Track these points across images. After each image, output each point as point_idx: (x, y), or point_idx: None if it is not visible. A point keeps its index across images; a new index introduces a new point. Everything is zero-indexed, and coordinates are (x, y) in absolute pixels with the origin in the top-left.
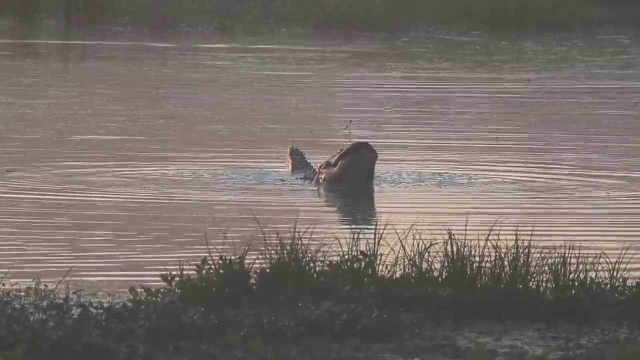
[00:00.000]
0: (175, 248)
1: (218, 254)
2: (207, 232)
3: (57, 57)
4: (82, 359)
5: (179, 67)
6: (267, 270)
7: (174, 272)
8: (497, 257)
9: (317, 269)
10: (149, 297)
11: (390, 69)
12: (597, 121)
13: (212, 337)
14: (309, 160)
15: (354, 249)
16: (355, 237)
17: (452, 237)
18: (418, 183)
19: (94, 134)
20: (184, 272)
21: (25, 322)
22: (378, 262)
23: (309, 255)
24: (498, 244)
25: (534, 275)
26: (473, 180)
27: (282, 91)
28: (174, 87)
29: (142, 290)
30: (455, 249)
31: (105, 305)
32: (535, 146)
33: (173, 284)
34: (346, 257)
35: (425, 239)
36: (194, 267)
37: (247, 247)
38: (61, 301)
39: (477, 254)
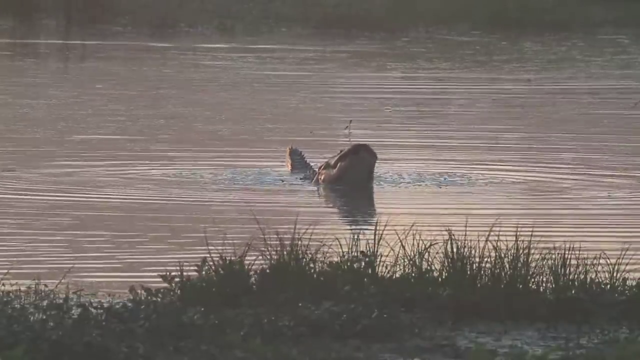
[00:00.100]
0: (175, 248)
1: (218, 254)
2: (207, 232)
3: (57, 57)
4: (82, 359)
5: (179, 67)
6: (267, 270)
7: (174, 272)
8: (497, 257)
9: (317, 269)
10: (149, 297)
11: (390, 69)
12: (597, 121)
13: (212, 337)
14: (308, 161)
15: (354, 249)
16: (355, 237)
17: (452, 237)
18: (418, 183)
19: (94, 134)
20: (184, 272)
21: (25, 322)
22: (378, 262)
23: (309, 255)
24: (498, 244)
25: (534, 275)
26: (473, 180)
27: (282, 91)
28: (174, 87)
29: (142, 290)
30: (455, 249)
31: (105, 305)
32: (535, 146)
33: (173, 284)
34: (346, 257)
35: (425, 239)
36: (194, 267)
37: (247, 247)
38: (61, 301)
39: (477, 254)
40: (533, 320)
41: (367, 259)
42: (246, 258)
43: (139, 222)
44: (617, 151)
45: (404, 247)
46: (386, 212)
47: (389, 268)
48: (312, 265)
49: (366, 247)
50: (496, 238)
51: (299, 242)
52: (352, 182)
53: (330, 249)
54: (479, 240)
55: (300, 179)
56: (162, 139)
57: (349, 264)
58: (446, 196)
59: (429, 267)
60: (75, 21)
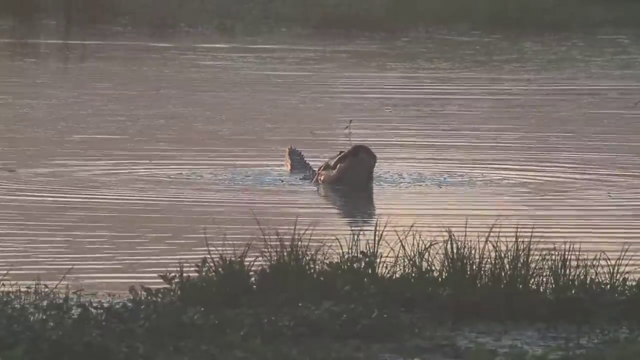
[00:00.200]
0: (175, 248)
1: (218, 254)
2: (207, 232)
3: (57, 57)
4: (82, 359)
5: (179, 67)
6: (267, 270)
7: (173, 273)
8: (497, 257)
9: (317, 269)
10: (149, 297)
11: (390, 69)
12: (597, 121)
13: (212, 337)
14: (307, 161)
15: (354, 249)
16: (355, 237)
17: (452, 237)
18: (418, 183)
19: (94, 134)
20: (184, 272)
21: (25, 322)
22: (378, 262)
23: (309, 255)
24: (498, 244)
25: (534, 275)
26: (473, 180)
27: (282, 91)
28: (174, 87)
29: (142, 290)
30: (455, 249)
31: (105, 305)
32: (535, 146)
33: (173, 284)
34: (346, 257)
35: (425, 239)
36: (194, 267)
37: (247, 247)
38: (61, 301)
39: (477, 254)
40: (533, 320)
41: (367, 259)
42: (246, 258)
43: (139, 222)
44: (617, 151)
45: (404, 247)
46: (386, 212)
47: (389, 268)
48: (312, 265)
49: (366, 247)
50: (496, 238)
51: (299, 242)
52: (351, 184)
53: (330, 249)
54: (479, 241)
55: (300, 179)
56: (162, 139)
57: (349, 264)
58: (446, 196)
59: (429, 267)
60: (75, 21)
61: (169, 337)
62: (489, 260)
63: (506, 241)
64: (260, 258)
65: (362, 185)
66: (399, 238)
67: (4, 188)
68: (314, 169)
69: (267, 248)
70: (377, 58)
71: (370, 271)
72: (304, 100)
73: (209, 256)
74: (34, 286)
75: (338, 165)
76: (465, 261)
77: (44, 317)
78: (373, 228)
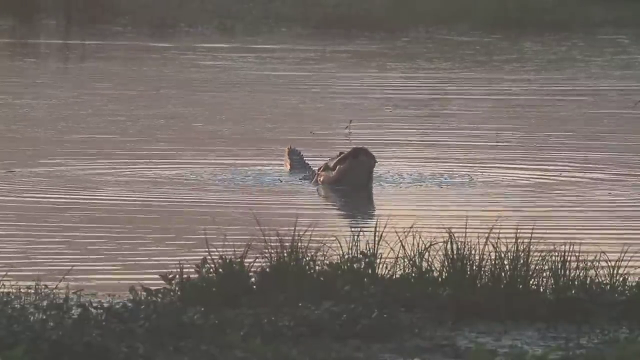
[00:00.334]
0: (175, 248)
1: (218, 254)
2: (207, 232)
3: (57, 57)
4: (82, 359)
5: (179, 67)
6: (267, 270)
7: (173, 273)
8: (497, 257)
9: (317, 269)
10: (149, 297)
11: (390, 69)
12: (597, 121)
13: (212, 337)
14: (307, 161)
15: (354, 249)
16: (355, 237)
17: (452, 237)
18: (418, 183)
19: (94, 134)
20: (184, 272)
21: (25, 322)
22: (378, 262)
23: (309, 255)
24: (498, 244)
25: (534, 275)
26: (473, 180)
27: (282, 91)
28: (174, 87)
29: (142, 290)
30: (455, 249)
31: (105, 305)
32: (535, 146)
33: (173, 284)
34: (346, 257)
35: (425, 239)
36: (194, 267)
37: (247, 247)
38: (61, 301)
39: (477, 254)
40: (533, 320)
41: (367, 259)
42: (246, 258)
43: (139, 222)
44: (617, 151)
45: (404, 247)
46: (386, 212)
47: (389, 268)
48: (312, 265)
49: (366, 247)
50: (496, 238)
51: (299, 242)
52: (351, 185)
53: (330, 249)
54: (479, 241)
55: (300, 179)
56: (162, 139)
57: (349, 264)
58: (446, 196)
59: (429, 267)
60: (75, 21)
61: (169, 337)
62: (489, 260)
63: (506, 241)
64: (260, 258)
65: (362, 186)
66: (399, 238)
67: (3, 188)
68: (314, 169)
69: (267, 248)
70: (377, 58)
71: (370, 271)
72: (304, 100)
73: (209, 256)
74: (34, 286)
75: (337, 167)
76: (465, 261)
77: (44, 317)
78: (373, 228)
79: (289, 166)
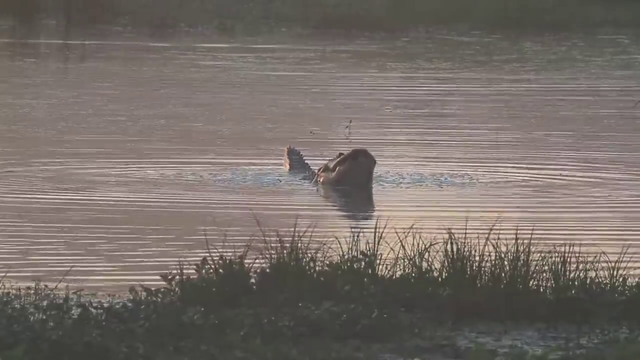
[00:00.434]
0: (175, 248)
1: (218, 254)
2: (207, 232)
3: (57, 57)
4: (82, 359)
5: (179, 67)
6: (267, 270)
7: (174, 272)
8: (497, 257)
9: (317, 269)
10: (149, 297)
11: (390, 69)
12: (597, 121)
13: (212, 337)
14: (306, 161)
15: (354, 249)
16: (355, 237)
17: (452, 237)
18: (418, 183)
19: (94, 134)
20: (184, 272)
21: (25, 322)
22: (378, 262)
23: (309, 255)
24: (498, 244)
25: (534, 275)
26: (473, 180)
27: (282, 91)
28: (174, 87)
29: (142, 290)
30: (455, 249)
31: (105, 305)
32: (535, 146)
33: (173, 284)
34: (346, 257)
35: (425, 239)
36: (194, 267)
37: (247, 247)
38: (61, 301)
39: (477, 254)
40: (533, 320)
41: (367, 259)
42: (246, 258)
43: (139, 222)
44: (617, 151)
45: (404, 247)
46: (386, 212)
47: (389, 268)
48: (312, 265)
49: (366, 247)
50: (496, 238)
51: (299, 242)
52: (351, 186)
53: (330, 249)
54: (479, 240)
55: (300, 179)
56: (162, 139)
57: (349, 264)
58: (446, 196)
59: (429, 267)
60: (75, 21)
61: (169, 337)
62: (489, 260)
63: (506, 241)
64: (260, 258)
65: (362, 187)
66: (399, 238)
67: (3, 188)
68: (313, 169)
69: (267, 248)
70: (377, 58)
71: (370, 271)
72: (304, 100)
73: (209, 256)
74: (34, 286)
75: (337, 168)
76: (465, 261)
77: (44, 317)
78: (373, 228)
79: (288, 166)
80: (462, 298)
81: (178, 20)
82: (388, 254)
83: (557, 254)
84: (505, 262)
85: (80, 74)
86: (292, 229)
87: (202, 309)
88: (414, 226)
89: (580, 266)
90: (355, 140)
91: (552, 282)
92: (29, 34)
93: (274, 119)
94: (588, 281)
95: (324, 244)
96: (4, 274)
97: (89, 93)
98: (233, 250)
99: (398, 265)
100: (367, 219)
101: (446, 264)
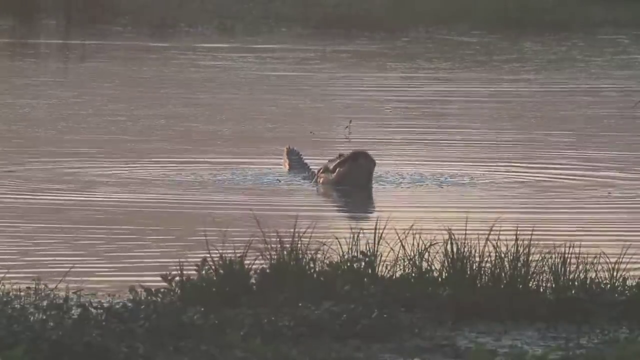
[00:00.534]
0: (175, 248)
1: (218, 254)
2: (207, 232)
3: (57, 57)
4: (82, 359)
5: (179, 67)
6: (267, 270)
7: (174, 272)
8: (497, 257)
9: (317, 269)
10: (149, 297)
11: (390, 69)
12: (597, 121)
13: (212, 337)
14: (306, 161)
15: (354, 249)
16: (355, 237)
17: (452, 237)
18: (418, 183)
19: (95, 134)
20: (184, 272)
21: (25, 322)
22: (378, 262)
23: (309, 255)
24: (498, 244)
25: (534, 275)
26: (474, 180)
27: (282, 91)
28: (174, 87)
29: (142, 290)
30: (455, 249)
31: (105, 305)
32: (535, 146)
33: (173, 284)
34: (346, 257)
35: (425, 239)
36: (194, 267)
37: (247, 247)
38: (61, 301)
39: (477, 254)
40: (533, 320)
41: (367, 259)
42: (246, 258)
43: (139, 222)
44: (617, 151)
45: (404, 247)
46: (386, 212)
47: (389, 268)
48: (312, 265)
49: (366, 247)
50: (496, 238)
51: (299, 242)
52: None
53: (330, 249)
54: (479, 240)
55: (300, 179)
56: (162, 139)
57: (349, 264)
58: (446, 196)
59: (429, 267)
60: (75, 21)
61: (169, 337)
62: (489, 260)
63: (506, 241)
64: (260, 258)
65: (361, 188)
66: (399, 238)
67: (4, 188)
68: (313, 169)
69: (267, 248)
70: (377, 58)
71: (370, 271)
72: (304, 100)
73: (209, 256)
74: (34, 286)
75: (337, 170)
76: (465, 261)
77: (44, 317)
78: (373, 228)
79: (287, 166)
80: (462, 298)
81: (178, 20)
82: (388, 254)
83: (557, 254)
84: (505, 262)
85: (80, 74)
86: (292, 229)
87: (202, 309)
88: (414, 226)
89: (580, 266)
90: (355, 140)
91: (552, 282)
92: (29, 34)
93: (274, 119)
94: (588, 281)
95: (324, 244)
96: (4, 274)
97: (89, 93)
98: (233, 250)
99: (398, 265)
100: (367, 219)
101: (446, 264)
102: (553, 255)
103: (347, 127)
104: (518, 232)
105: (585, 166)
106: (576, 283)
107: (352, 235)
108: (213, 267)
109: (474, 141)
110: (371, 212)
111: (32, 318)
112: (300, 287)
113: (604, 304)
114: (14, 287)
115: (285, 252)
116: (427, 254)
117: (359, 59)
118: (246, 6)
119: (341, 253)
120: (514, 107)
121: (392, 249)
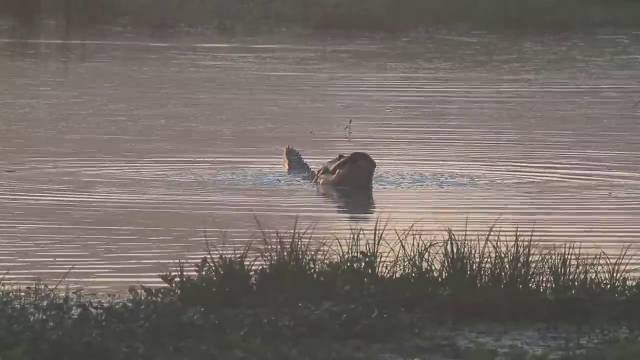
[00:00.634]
0: (175, 248)
1: (218, 254)
2: (207, 232)
3: (57, 57)
4: (82, 359)
5: (179, 67)
6: (267, 270)
7: (174, 273)
8: (497, 257)
9: (317, 269)
10: (149, 297)
11: (390, 69)
12: (597, 121)
13: (212, 337)
14: (306, 161)
15: (354, 249)
16: (355, 237)
17: (452, 237)
18: (418, 183)
19: (94, 134)
20: (184, 272)
21: (25, 322)
22: (378, 262)
23: (309, 255)
24: (498, 244)
25: (534, 275)
26: (474, 180)
27: (282, 91)
28: (174, 87)
29: (142, 290)
30: (455, 249)
31: (105, 305)
32: (535, 146)
33: (173, 284)
34: (346, 257)
35: (425, 239)
36: (194, 267)
37: (247, 247)
38: (61, 301)
39: (477, 254)
40: (533, 320)
41: (367, 259)
42: (246, 258)
43: (138, 222)
44: (617, 151)
45: (404, 247)
46: (386, 212)
47: (389, 268)
48: (312, 265)
49: (366, 247)
50: (496, 238)
51: (299, 242)
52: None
53: (330, 249)
54: (479, 240)
55: (300, 179)
56: (162, 139)
57: (349, 264)
58: (446, 196)
59: (429, 267)
60: (75, 21)
61: (169, 337)
62: (489, 260)
63: (506, 241)
64: (260, 258)
65: (361, 189)
66: (399, 238)
67: (3, 188)
68: (313, 169)
69: (267, 248)
70: (377, 58)
71: (370, 271)
72: (304, 100)
73: (209, 256)
74: (34, 286)
75: (337, 171)
76: (465, 261)
77: (44, 317)
78: (373, 228)
79: (287, 166)
80: (462, 298)
81: (178, 20)
82: (388, 254)
83: (557, 254)
84: (505, 262)
85: (80, 74)
86: (292, 229)
87: (202, 309)
88: (414, 226)
89: (580, 266)
90: (355, 140)
91: (552, 282)
92: (29, 34)
93: (274, 119)
94: (588, 281)
95: (324, 244)
96: (4, 274)
97: (89, 93)
98: (233, 250)
99: (398, 265)
100: (367, 219)
101: (446, 264)
102: (553, 256)
103: (347, 127)
104: (518, 232)
105: (585, 166)
106: (576, 283)
107: (352, 236)
108: (213, 267)
109: (474, 141)
110: (371, 212)
111: (32, 318)
112: (300, 287)
113: (604, 304)
114: (14, 287)
115: (285, 253)
116: (427, 254)
117: (359, 59)
118: (246, 6)
119: (341, 253)
120: (514, 107)
121: (392, 249)
